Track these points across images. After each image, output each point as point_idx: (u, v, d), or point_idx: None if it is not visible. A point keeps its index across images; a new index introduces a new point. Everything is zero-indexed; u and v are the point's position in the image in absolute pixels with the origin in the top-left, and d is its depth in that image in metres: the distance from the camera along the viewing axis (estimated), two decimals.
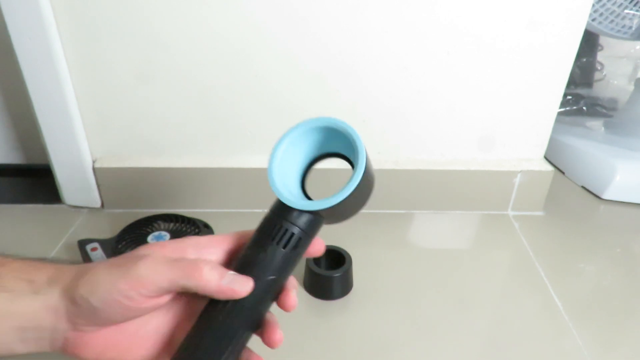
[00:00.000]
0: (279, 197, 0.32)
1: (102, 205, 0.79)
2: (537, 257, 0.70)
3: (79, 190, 0.77)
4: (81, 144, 0.73)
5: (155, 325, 0.33)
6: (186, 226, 0.70)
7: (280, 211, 0.32)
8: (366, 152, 0.32)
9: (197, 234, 0.68)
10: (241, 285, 0.30)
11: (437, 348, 0.55)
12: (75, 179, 0.76)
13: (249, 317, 0.32)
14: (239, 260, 0.32)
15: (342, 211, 0.33)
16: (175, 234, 0.68)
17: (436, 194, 0.79)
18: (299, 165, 0.35)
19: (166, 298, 0.31)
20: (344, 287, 0.62)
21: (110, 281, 0.30)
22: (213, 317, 0.31)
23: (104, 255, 0.63)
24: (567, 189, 0.89)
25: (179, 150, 0.76)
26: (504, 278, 0.67)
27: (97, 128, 0.74)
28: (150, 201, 0.78)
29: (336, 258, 0.63)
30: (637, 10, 0.78)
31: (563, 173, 0.94)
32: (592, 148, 0.91)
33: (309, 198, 0.35)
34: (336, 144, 0.34)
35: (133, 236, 0.67)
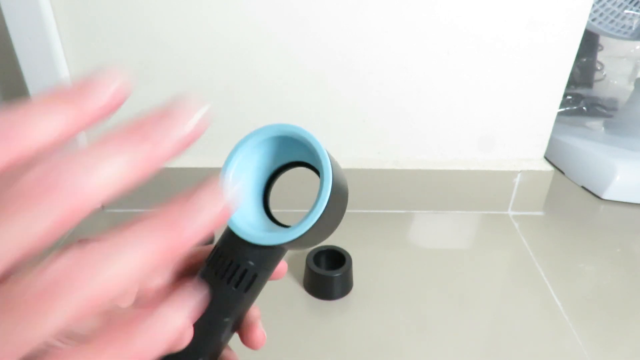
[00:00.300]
0: (231, 227, 0.26)
1: (102, 205, 0.79)
2: (537, 257, 0.70)
3: None
4: (81, 144, 0.73)
5: None
6: None
7: (233, 244, 0.27)
8: (331, 162, 0.26)
9: None
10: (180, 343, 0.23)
11: (437, 348, 0.55)
12: None
13: (205, 348, 0.27)
14: None
15: (311, 237, 0.27)
16: None
17: (436, 194, 0.79)
18: (257, 181, 0.29)
19: None
20: (344, 287, 0.62)
21: None
22: None
23: None
24: (567, 189, 0.89)
25: None
26: (504, 278, 0.67)
27: (97, 128, 0.73)
28: (150, 201, 0.77)
29: (336, 258, 0.63)
30: (637, 10, 0.78)
31: (563, 173, 0.94)
32: (592, 148, 0.90)
33: (271, 218, 0.30)
34: (298, 151, 0.28)
35: None
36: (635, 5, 0.78)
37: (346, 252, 0.63)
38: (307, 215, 0.25)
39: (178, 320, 0.16)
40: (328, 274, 0.60)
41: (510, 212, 0.81)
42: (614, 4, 0.77)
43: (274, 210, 0.30)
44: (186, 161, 0.76)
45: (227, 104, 0.72)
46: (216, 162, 0.75)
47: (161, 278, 0.29)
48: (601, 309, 0.61)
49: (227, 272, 0.27)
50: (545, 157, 0.79)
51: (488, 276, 0.67)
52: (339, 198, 0.27)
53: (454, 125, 0.75)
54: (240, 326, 0.29)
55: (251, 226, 0.27)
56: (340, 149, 0.74)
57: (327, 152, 0.26)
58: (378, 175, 0.75)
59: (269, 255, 0.27)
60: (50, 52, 0.64)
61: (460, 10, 0.65)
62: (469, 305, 0.61)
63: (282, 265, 0.30)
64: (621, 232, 0.78)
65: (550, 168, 0.78)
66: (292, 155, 0.29)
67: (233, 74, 0.69)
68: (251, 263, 0.27)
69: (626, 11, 0.78)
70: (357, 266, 0.63)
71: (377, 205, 0.79)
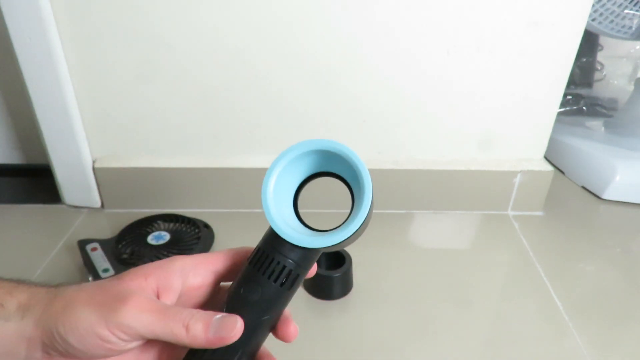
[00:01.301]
0: (277, 232, 0.29)
1: (102, 205, 0.79)
2: (537, 257, 0.70)
3: (79, 190, 0.77)
4: (81, 144, 0.73)
5: (139, 352, 0.31)
6: (186, 226, 0.70)
7: (277, 245, 0.29)
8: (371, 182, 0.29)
9: (197, 233, 0.68)
10: (229, 331, 0.28)
11: (437, 348, 0.55)
12: (75, 179, 0.76)
13: (245, 341, 0.29)
14: (230, 296, 0.30)
15: (345, 243, 0.30)
16: (175, 234, 0.68)
17: (436, 194, 0.79)
18: (291, 187, 0.32)
19: (146, 344, 0.30)
20: (344, 287, 0.62)
21: (90, 323, 0.28)
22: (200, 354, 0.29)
23: (103, 255, 0.63)
24: (567, 189, 0.89)
25: (179, 150, 0.76)
26: (504, 278, 0.67)
27: (97, 128, 0.74)
28: (150, 201, 0.78)
29: (336, 258, 0.63)
30: (637, 10, 0.78)
31: (563, 173, 0.94)
32: (592, 148, 0.91)
33: (302, 221, 0.32)
34: (334, 164, 0.31)
35: (133, 236, 0.67)
36: (635, 5, 0.78)
37: (346, 252, 0.63)
38: (348, 223, 0.28)
39: (238, 332, 0.28)
40: (328, 274, 0.60)
41: (510, 212, 0.81)
42: (614, 4, 0.77)
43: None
44: (186, 161, 0.76)
45: (227, 104, 0.72)
46: (216, 163, 0.75)
47: (201, 278, 0.32)
48: (601, 309, 0.61)
49: (274, 272, 0.29)
50: (545, 157, 0.80)
51: (488, 276, 0.67)
52: (371, 211, 0.30)
53: (454, 125, 0.75)
54: (275, 326, 0.31)
55: (293, 229, 0.29)
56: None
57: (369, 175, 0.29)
58: (378, 175, 0.75)
59: (309, 256, 0.30)
60: (50, 52, 0.64)
61: (461, 11, 0.65)
62: (469, 305, 0.61)
63: (314, 266, 0.32)
64: (621, 232, 0.78)
65: (550, 168, 0.78)
66: (328, 167, 0.31)
67: (233, 74, 0.69)
68: (293, 263, 0.29)
69: (626, 11, 0.78)
70: (357, 266, 0.63)
71: (377, 205, 0.79)
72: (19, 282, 0.31)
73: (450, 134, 0.76)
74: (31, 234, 0.75)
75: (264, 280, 0.29)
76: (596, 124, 1.01)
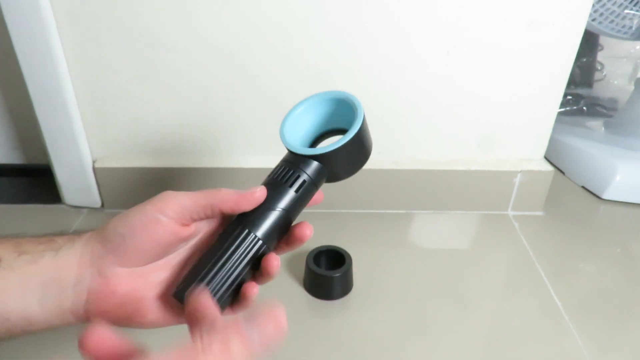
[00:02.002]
0: (285, 144, 0.37)
1: (102, 205, 0.79)
2: (537, 257, 0.70)
3: (79, 190, 0.77)
4: (81, 144, 0.73)
5: (175, 281, 0.34)
6: None
7: (288, 157, 0.37)
8: (363, 113, 0.38)
9: None
10: (255, 189, 0.34)
11: (437, 348, 0.55)
12: (75, 179, 0.76)
13: (259, 223, 0.35)
14: None
15: (343, 161, 0.38)
16: None
17: (436, 194, 0.79)
18: (310, 132, 0.41)
19: (188, 229, 0.33)
20: (344, 287, 0.62)
21: (138, 208, 0.32)
22: (223, 241, 0.34)
23: None
24: (567, 189, 0.89)
25: (179, 150, 0.76)
26: (504, 278, 0.67)
27: (97, 128, 0.74)
28: None
29: (336, 258, 0.63)
30: (637, 10, 0.78)
31: (563, 173, 0.94)
32: (592, 148, 0.91)
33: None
34: (342, 119, 0.39)
35: None
36: (635, 5, 0.78)
37: (346, 252, 0.63)
38: (342, 138, 0.36)
39: (263, 191, 0.35)
40: (328, 274, 0.60)
41: (510, 212, 0.81)
42: (614, 4, 0.77)
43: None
44: (186, 161, 0.76)
45: (227, 104, 0.72)
46: (216, 162, 0.75)
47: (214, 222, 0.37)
48: (601, 309, 0.61)
49: (285, 177, 0.36)
50: (545, 157, 0.80)
51: (488, 276, 0.67)
52: (365, 134, 0.38)
53: (454, 125, 0.75)
54: (288, 228, 0.37)
55: (301, 146, 0.38)
56: None
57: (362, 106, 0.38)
58: (378, 175, 0.75)
59: (315, 169, 0.37)
60: (50, 52, 0.64)
61: (461, 10, 0.65)
62: (469, 305, 0.61)
63: (320, 194, 0.38)
64: (621, 232, 0.78)
65: (550, 168, 0.78)
66: (338, 123, 0.40)
67: (233, 74, 0.69)
68: (301, 170, 0.36)
69: (626, 11, 0.78)
70: (357, 266, 0.63)
71: (377, 205, 0.79)
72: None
73: (450, 134, 0.76)
74: (31, 234, 0.75)
75: (278, 182, 0.36)
76: (596, 124, 1.01)
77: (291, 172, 0.36)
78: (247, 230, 0.34)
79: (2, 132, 0.85)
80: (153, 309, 0.33)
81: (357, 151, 0.38)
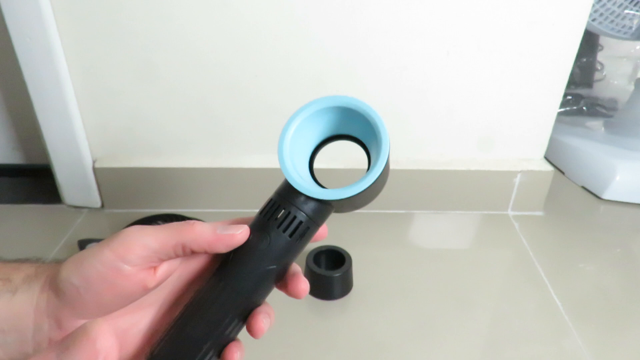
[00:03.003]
0: (290, 181, 0.29)
1: (102, 205, 0.79)
2: (537, 257, 0.70)
3: (79, 190, 0.77)
4: (81, 144, 0.73)
5: (146, 324, 0.30)
6: None
7: (290, 195, 0.29)
8: (389, 140, 0.29)
9: None
10: (236, 229, 0.28)
11: (437, 348, 0.55)
12: (75, 179, 0.76)
13: (240, 304, 0.29)
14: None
15: (356, 202, 0.30)
16: None
17: (436, 194, 0.79)
18: (309, 145, 0.32)
19: (155, 278, 0.28)
20: (344, 287, 0.62)
21: (94, 254, 0.26)
22: (202, 301, 0.29)
23: None
24: (567, 189, 0.89)
25: (179, 150, 0.76)
26: (504, 278, 0.67)
27: (97, 128, 0.74)
28: (150, 201, 0.78)
29: (336, 258, 0.63)
30: (637, 10, 0.78)
31: (563, 173, 0.94)
32: (592, 148, 0.91)
33: (316, 181, 0.32)
34: (352, 126, 0.31)
35: None
36: (635, 5, 0.78)
37: (346, 252, 0.63)
38: (362, 179, 0.28)
39: (245, 232, 0.28)
40: (328, 274, 0.60)
41: (510, 212, 0.81)
42: (614, 4, 0.77)
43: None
44: (186, 161, 0.76)
45: (227, 104, 0.72)
46: (216, 163, 0.75)
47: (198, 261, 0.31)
48: (601, 309, 0.61)
49: (284, 221, 0.29)
50: (545, 157, 0.80)
51: (488, 276, 0.67)
52: (387, 171, 0.30)
53: (454, 125, 0.75)
54: (281, 279, 0.31)
55: (306, 182, 0.29)
56: (340, 149, 0.74)
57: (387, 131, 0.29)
58: None
59: (321, 210, 0.29)
60: (50, 52, 0.64)
61: (461, 11, 0.65)
62: (469, 305, 0.61)
63: (324, 229, 0.31)
64: (621, 232, 0.78)
65: (550, 168, 0.78)
66: (346, 129, 0.31)
67: (233, 74, 0.69)
68: (304, 215, 0.29)
69: (626, 11, 0.78)
70: (357, 266, 0.63)
71: (377, 205, 0.79)
72: (27, 260, 0.31)
73: (450, 134, 0.76)
74: (31, 234, 0.75)
75: (274, 229, 0.29)
76: (596, 124, 1.01)
77: (287, 213, 0.29)
78: (231, 293, 0.29)
79: (2, 132, 0.85)
80: (122, 357, 0.29)
81: (377, 188, 0.31)
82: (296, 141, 0.30)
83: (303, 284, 0.30)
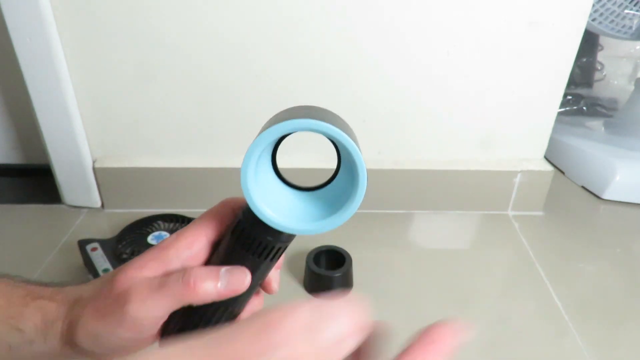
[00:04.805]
0: (262, 219, 0.28)
1: (102, 205, 0.79)
2: (537, 257, 0.70)
3: (79, 190, 0.77)
4: (81, 144, 0.73)
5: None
6: None
7: (257, 225, 0.28)
8: (364, 166, 0.27)
9: None
10: (239, 281, 0.28)
11: None
12: (75, 179, 0.76)
13: (230, 313, 0.31)
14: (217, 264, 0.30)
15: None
16: None
17: (436, 194, 0.79)
18: (269, 147, 0.31)
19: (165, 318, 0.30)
20: (344, 287, 0.62)
21: (109, 332, 0.28)
22: (193, 318, 0.30)
23: (104, 255, 0.63)
24: (567, 189, 0.89)
25: (179, 150, 0.76)
26: (504, 278, 0.67)
27: (97, 128, 0.74)
28: (150, 201, 0.77)
29: (336, 258, 0.63)
30: (637, 10, 0.78)
31: (563, 173, 0.94)
32: (592, 148, 0.90)
33: (282, 179, 0.31)
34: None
35: (133, 236, 0.67)
36: (635, 5, 0.78)
37: (346, 252, 0.63)
38: (339, 213, 0.28)
39: (247, 279, 0.29)
40: (328, 274, 0.60)
41: (510, 212, 0.81)
42: (614, 4, 0.77)
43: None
44: (186, 161, 0.76)
45: (227, 104, 0.72)
46: (216, 163, 0.75)
47: (198, 254, 0.31)
48: (601, 309, 0.61)
49: (257, 248, 0.29)
50: (545, 157, 0.79)
51: (488, 276, 0.67)
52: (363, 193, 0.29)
53: (454, 125, 0.75)
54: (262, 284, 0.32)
55: (280, 212, 0.28)
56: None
57: (356, 145, 0.27)
58: (378, 175, 0.75)
59: (292, 235, 0.30)
60: (50, 52, 0.64)
61: (461, 11, 0.65)
62: (469, 305, 0.61)
63: None
64: (621, 232, 0.78)
65: (550, 168, 0.78)
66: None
67: (233, 74, 0.69)
68: (279, 242, 0.29)
69: (626, 11, 0.78)
70: (357, 266, 0.63)
71: (377, 205, 0.79)
72: (25, 292, 0.31)
73: (450, 134, 0.76)
74: (31, 234, 0.75)
75: (248, 256, 0.29)
76: (596, 124, 1.01)
77: (266, 244, 0.29)
78: (230, 309, 0.31)
79: (2, 132, 0.85)
80: (147, 345, 0.32)
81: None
82: (259, 169, 0.29)
83: (275, 286, 0.33)
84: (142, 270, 0.29)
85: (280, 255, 0.30)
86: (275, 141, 0.30)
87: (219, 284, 0.28)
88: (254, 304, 0.33)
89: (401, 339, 0.58)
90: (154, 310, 0.28)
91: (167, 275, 0.29)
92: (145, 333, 0.28)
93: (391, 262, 0.69)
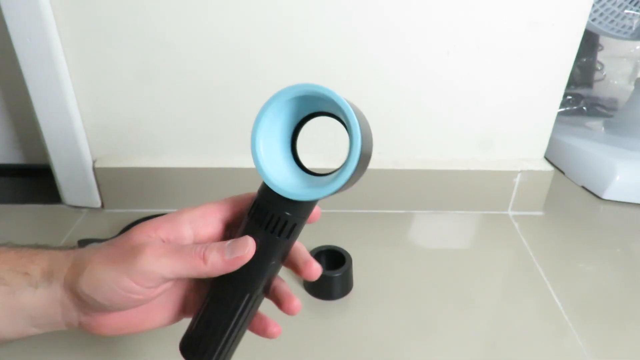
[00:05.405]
0: (271, 187, 0.30)
1: (102, 205, 0.79)
2: (537, 257, 0.70)
3: (79, 190, 0.77)
4: (81, 144, 0.73)
5: (167, 295, 0.33)
6: None
7: (274, 200, 0.30)
8: (358, 120, 0.28)
9: None
10: (242, 249, 0.30)
11: (437, 348, 0.55)
12: (75, 179, 0.76)
13: (252, 297, 0.32)
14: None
15: (341, 190, 0.31)
16: None
17: (436, 194, 0.79)
18: (285, 131, 0.32)
19: (171, 283, 0.31)
20: (344, 287, 0.62)
21: (113, 279, 0.29)
22: (217, 301, 0.32)
23: None
24: (567, 189, 0.89)
25: (179, 150, 0.76)
26: (504, 278, 0.67)
27: (97, 128, 0.74)
28: (150, 201, 0.77)
29: (336, 258, 0.63)
30: (637, 10, 0.78)
31: (563, 173, 0.94)
32: (592, 148, 0.90)
33: (300, 165, 0.32)
34: (323, 104, 0.31)
35: None
36: (635, 5, 0.78)
37: (346, 252, 0.63)
38: (339, 173, 0.28)
39: (252, 248, 0.30)
40: (328, 274, 0.60)
41: (510, 212, 0.81)
42: (614, 4, 0.77)
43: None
44: (186, 161, 0.76)
45: (228, 104, 0.72)
46: (216, 163, 0.75)
47: (211, 227, 0.33)
48: (601, 309, 0.61)
49: (270, 223, 0.30)
50: (545, 157, 0.80)
51: (488, 276, 0.67)
52: (366, 156, 0.30)
53: (454, 125, 0.75)
54: (285, 260, 0.34)
55: (286, 181, 0.30)
56: (340, 149, 0.74)
57: (355, 111, 0.28)
58: (378, 175, 0.75)
59: (304, 207, 0.31)
60: (50, 52, 0.64)
61: (461, 11, 0.65)
62: (469, 305, 0.61)
63: (317, 210, 0.33)
64: (621, 232, 0.78)
65: (550, 168, 0.78)
66: (319, 107, 0.31)
67: (233, 74, 0.69)
68: (289, 214, 0.30)
69: (626, 11, 0.78)
70: (357, 266, 0.63)
71: (377, 205, 0.79)
72: (37, 247, 0.33)
73: (450, 134, 0.76)
74: (31, 234, 0.75)
75: (264, 232, 0.30)
76: (596, 124, 1.01)
77: (276, 218, 0.30)
78: (248, 295, 0.32)
79: (2, 132, 0.85)
80: (150, 324, 0.34)
81: (361, 169, 0.30)
82: (271, 135, 0.31)
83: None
84: (158, 230, 0.31)
85: (289, 231, 0.31)
86: (292, 128, 0.32)
87: (225, 255, 0.30)
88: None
89: (401, 339, 0.59)
90: (164, 268, 0.29)
91: (179, 240, 0.31)
92: (146, 292, 0.29)
93: (391, 262, 0.69)
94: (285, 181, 0.30)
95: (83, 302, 0.30)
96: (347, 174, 0.28)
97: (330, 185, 0.28)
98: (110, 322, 0.32)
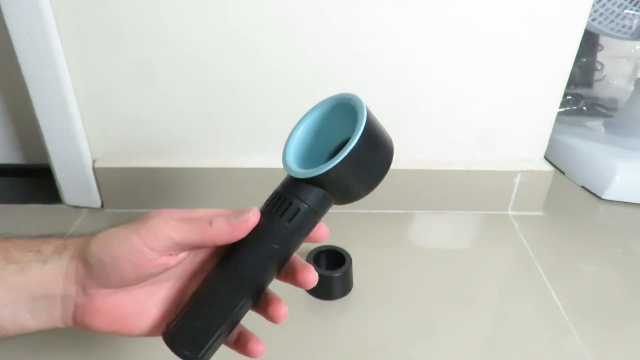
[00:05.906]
0: (284, 167, 0.32)
1: (102, 205, 0.79)
2: (537, 257, 0.70)
3: (79, 190, 0.77)
4: (81, 144, 0.73)
5: (163, 296, 0.34)
6: None
7: (287, 184, 0.32)
8: (368, 111, 0.30)
9: None
10: (246, 214, 0.31)
11: (437, 348, 0.55)
12: (75, 179, 0.76)
13: (249, 285, 0.32)
14: None
15: (349, 179, 0.31)
16: None
17: (436, 194, 0.79)
18: (323, 150, 0.34)
19: (175, 259, 0.31)
20: (344, 287, 0.62)
21: (123, 236, 0.30)
22: (212, 285, 0.32)
23: None
24: (567, 189, 0.89)
25: (179, 150, 0.76)
26: (504, 278, 0.67)
27: (97, 128, 0.74)
28: (150, 201, 0.77)
29: (336, 258, 0.63)
30: (637, 10, 0.78)
31: (563, 173, 0.94)
32: (592, 148, 0.91)
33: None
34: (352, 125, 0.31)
35: None
36: (635, 5, 0.78)
37: (346, 252, 0.63)
38: (340, 153, 0.29)
39: (256, 214, 0.31)
40: (328, 274, 0.60)
41: (510, 212, 0.81)
42: (614, 4, 0.77)
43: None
44: (186, 161, 0.76)
45: (228, 104, 0.72)
46: (216, 163, 0.75)
47: (227, 212, 0.34)
48: (601, 309, 0.61)
49: (275, 203, 0.32)
50: (545, 157, 0.80)
51: (488, 276, 0.67)
52: (376, 139, 0.31)
53: (454, 125, 0.75)
54: (286, 263, 0.34)
55: (296, 161, 0.33)
56: None
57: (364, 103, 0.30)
58: None
59: (316, 196, 0.31)
60: (50, 52, 0.64)
61: (461, 11, 0.65)
62: (469, 305, 0.61)
63: (325, 231, 0.34)
64: (621, 232, 0.78)
65: (550, 168, 0.78)
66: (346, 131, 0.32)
67: (234, 75, 0.69)
68: (295, 197, 0.31)
69: (626, 11, 0.78)
70: (357, 266, 0.63)
71: (377, 205, 0.79)
72: (52, 235, 0.34)
73: (450, 134, 0.76)
74: (31, 234, 0.74)
75: (271, 214, 0.31)
76: (596, 124, 1.01)
77: (283, 199, 0.31)
78: (241, 278, 0.32)
79: (2, 132, 0.85)
80: (140, 325, 0.33)
81: (368, 160, 0.31)
82: (304, 143, 0.34)
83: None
84: (173, 213, 0.33)
85: (291, 216, 0.31)
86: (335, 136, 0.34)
87: (230, 219, 0.31)
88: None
89: (401, 339, 0.59)
90: (173, 231, 0.30)
91: None
92: (154, 252, 0.30)
93: (391, 262, 0.69)
94: (295, 161, 0.33)
95: (87, 269, 0.31)
96: (346, 151, 0.29)
97: (329, 163, 0.29)
98: (107, 307, 0.32)
